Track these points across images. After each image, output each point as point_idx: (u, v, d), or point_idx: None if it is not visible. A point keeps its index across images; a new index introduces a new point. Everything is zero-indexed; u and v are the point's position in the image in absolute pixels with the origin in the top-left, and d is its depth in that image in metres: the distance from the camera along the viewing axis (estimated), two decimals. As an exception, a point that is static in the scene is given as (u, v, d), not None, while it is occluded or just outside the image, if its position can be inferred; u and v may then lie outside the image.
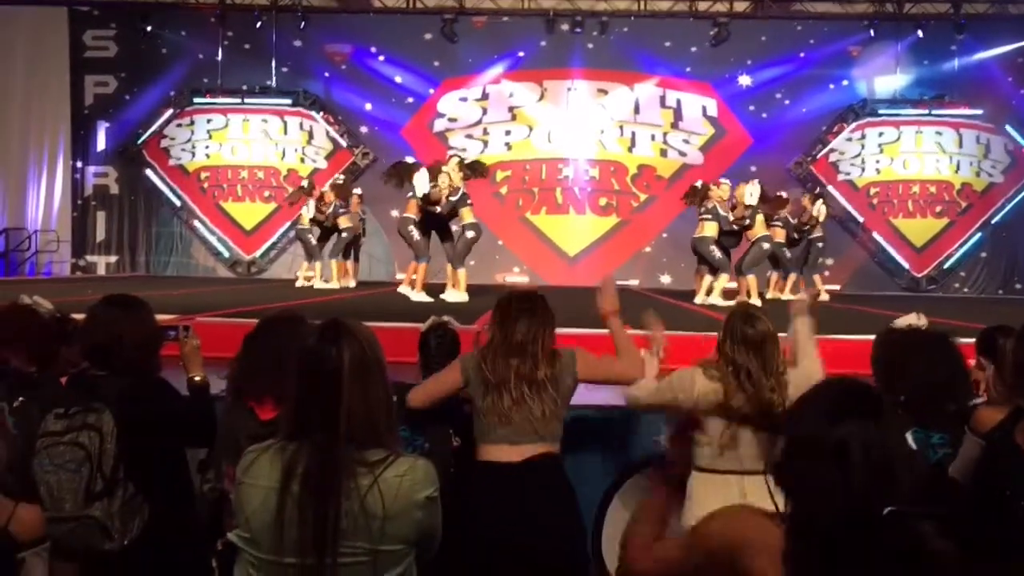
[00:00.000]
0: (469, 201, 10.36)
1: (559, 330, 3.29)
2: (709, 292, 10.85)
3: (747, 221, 10.89)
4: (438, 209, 10.18)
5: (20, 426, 2.67)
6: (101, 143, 17.02)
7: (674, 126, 16.73)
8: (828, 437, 1.53)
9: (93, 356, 2.82)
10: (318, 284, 12.35)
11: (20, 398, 2.77)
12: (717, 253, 10.75)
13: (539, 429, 3.03)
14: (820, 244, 12.71)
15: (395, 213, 11.36)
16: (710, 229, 10.76)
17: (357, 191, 13.09)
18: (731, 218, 10.72)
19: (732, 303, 10.44)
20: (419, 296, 10.26)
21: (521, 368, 3.04)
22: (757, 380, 3.12)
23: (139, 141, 16.79)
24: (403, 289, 10.61)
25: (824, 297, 12.46)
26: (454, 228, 10.52)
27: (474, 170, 10.98)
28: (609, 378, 3.36)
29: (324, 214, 12.45)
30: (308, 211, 12.45)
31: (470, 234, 10.36)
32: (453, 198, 10.22)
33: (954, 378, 3.06)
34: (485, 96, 16.84)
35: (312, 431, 1.82)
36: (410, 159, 11.67)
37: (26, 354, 3.03)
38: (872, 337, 3.49)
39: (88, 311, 2.92)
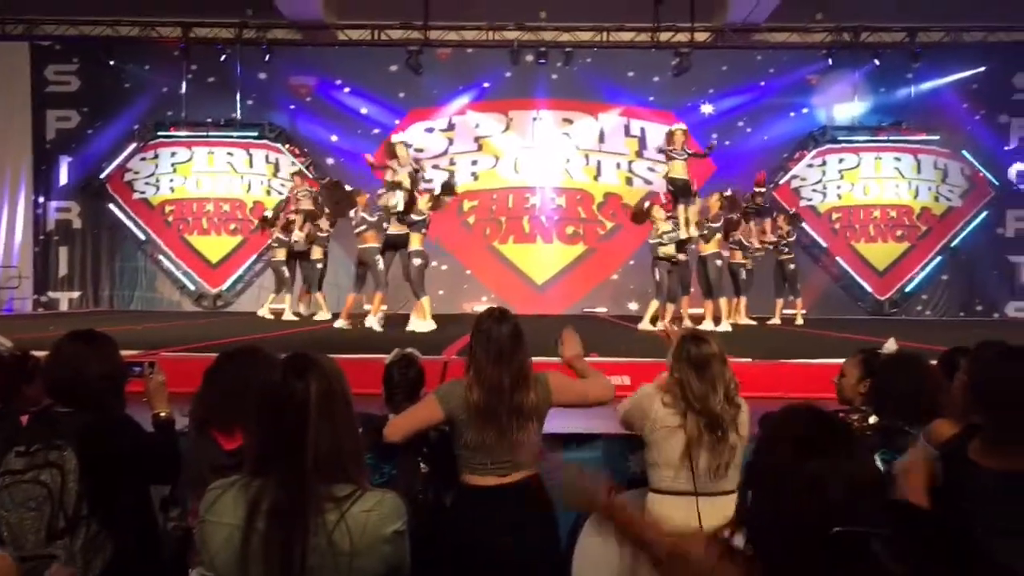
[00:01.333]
0: (423, 230, 10.48)
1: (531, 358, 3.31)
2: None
3: (705, 232, 11.08)
4: (417, 216, 10.39)
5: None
6: (63, 178, 16.85)
7: (639, 154, 16.91)
8: (802, 472, 1.52)
9: (56, 392, 2.79)
10: (288, 315, 12.42)
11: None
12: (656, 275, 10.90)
13: (526, 456, 3.07)
14: (792, 266, 13.02)
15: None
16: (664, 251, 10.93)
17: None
18: (682, 235, 10.86)
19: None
20: (380, 325, 10.32)
21: (510, 398, 3.04)
22: (702, 398, 3.19)
23: (102, 175, 16.65)
24: (369, 321, 10.61)
25: (799, 321, 12.69)
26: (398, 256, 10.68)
27: (446, 191, 11.09)
28: (582, 401, 3.37)
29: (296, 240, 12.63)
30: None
31: (417, 261, 10.52)
32: (417, 217, 10.35)
33: (937, 396, 3.14)
34: (451, 127, 16.92)
35: (278, 466, 1.80)
36: (348, 187, 11.83)
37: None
38: (838, 361, 3.57)
39: (52, 347, 2.88)
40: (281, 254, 12.95)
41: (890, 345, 3.61)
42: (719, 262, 11.42)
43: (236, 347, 2.82)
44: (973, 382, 2.63)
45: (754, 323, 12.79)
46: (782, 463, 1.55)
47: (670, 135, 11.32)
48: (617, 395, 3.43)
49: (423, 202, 10.65)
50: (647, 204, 12.24)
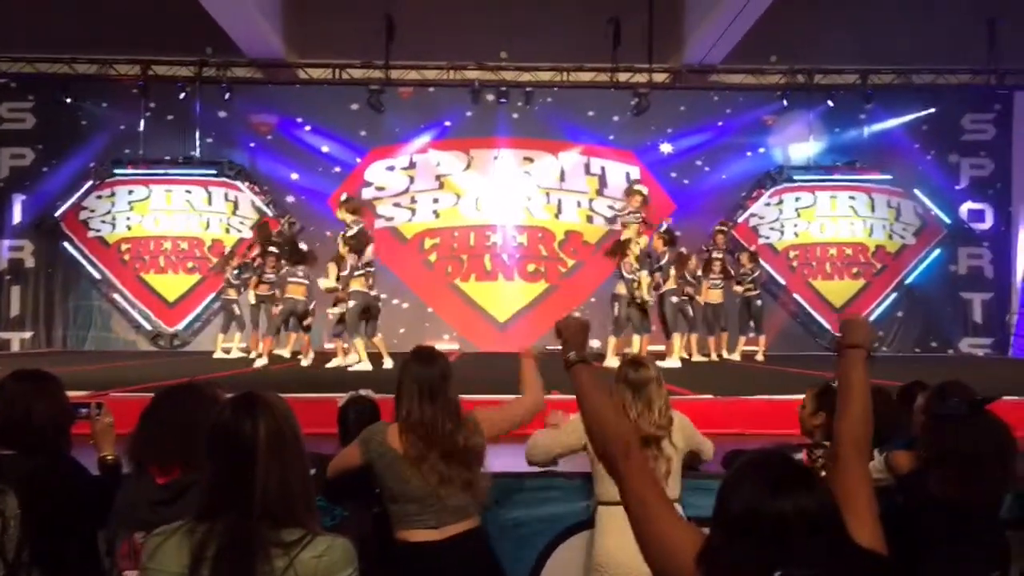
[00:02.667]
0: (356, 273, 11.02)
1: (489, 396, 3.27)
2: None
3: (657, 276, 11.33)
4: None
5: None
6: (17, 216, 16.54)
7: (599, 192, 17.03)
8: (767, 510, 1.53)
9: None
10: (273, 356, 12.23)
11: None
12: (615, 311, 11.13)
13: (461, 505, 2.94)
14: (759, 302, 13.24)
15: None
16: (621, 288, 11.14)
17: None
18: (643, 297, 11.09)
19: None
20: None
21: (441, 439, 2.94)
22: (636, 415, 3.32)
23: (57, 213, 16.39)
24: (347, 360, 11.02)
25: (760, 358, 12.82)
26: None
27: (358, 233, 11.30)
28: (513, 422, 3.33)
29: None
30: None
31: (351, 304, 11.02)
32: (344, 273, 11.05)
33: (897, 427, 3.17)
34: (412, 165, 16.94)
35: (224, 510, 1.73)
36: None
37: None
38: (798, 397, 3.59)
39: (-5, 386, 2.80)
40: (233, 293, 13.06)
41: None
42: (674, 299, 11.60)
43: (175, 384, 2.72)
44: (931, 413, 2.66)
45: (735, 358, 13.01)
46: (749, 502, 1.55)
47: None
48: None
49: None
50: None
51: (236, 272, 14.05)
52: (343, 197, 12.59)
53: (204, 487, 1.80)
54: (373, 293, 11.37)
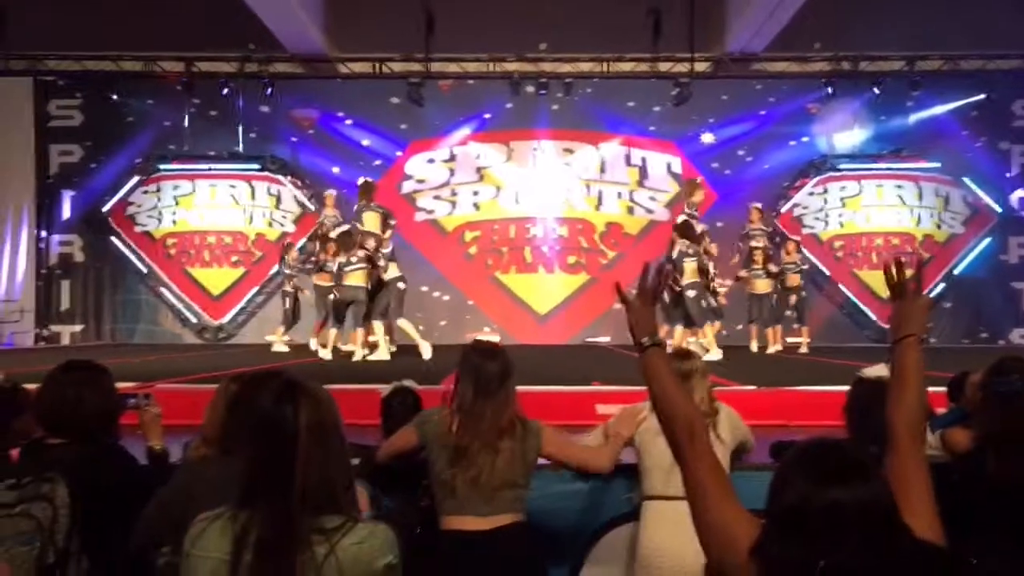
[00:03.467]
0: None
1: (530, 388, 3.27)
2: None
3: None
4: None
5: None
6: (66, 212, 16.90)
7: (640, 184, 16.93)
8: (818, 500, 1.50)
9: (49, 423, 2.74)
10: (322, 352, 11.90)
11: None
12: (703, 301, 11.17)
13: (503, 499, 2.94)
14: (803, 293, 13.08)
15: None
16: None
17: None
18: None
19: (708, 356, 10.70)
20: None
21: (489, 433, 2.95)
22: None
23: (104, 209, 16.69)
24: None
25: (804, 350, 12.69)
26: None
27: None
28: (572, 463, 3.30)
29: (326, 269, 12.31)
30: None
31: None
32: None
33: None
34: (452, 158, 16.97)
35: (266, 497, 1.74)
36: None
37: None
38: (843, 388, 3.52)
39: (46, 377, 2.85)
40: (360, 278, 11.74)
41: (874, 369, 3.53)
42: (692, 293, 11.34)
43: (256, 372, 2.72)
44: (987, 390, 2.60)
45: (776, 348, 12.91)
46: (801, 493, 1.53)
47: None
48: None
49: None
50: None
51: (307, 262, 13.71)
52: (366, 181, 12.42)
53: (245, 474, 1.81)
54: (396, 275, 11.49)
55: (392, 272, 11.45)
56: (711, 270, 11.82)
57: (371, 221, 11.62)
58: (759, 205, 14.37)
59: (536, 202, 16.85)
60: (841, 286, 16.64)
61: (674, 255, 11.31)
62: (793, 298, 13.58)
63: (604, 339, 15.60)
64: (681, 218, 11.88)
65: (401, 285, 11.48)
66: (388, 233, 11.67)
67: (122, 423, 2.99)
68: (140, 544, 2.56)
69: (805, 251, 15.90)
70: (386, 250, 11.49)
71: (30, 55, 16.11)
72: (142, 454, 3.03)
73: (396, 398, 3.68)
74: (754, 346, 13.50)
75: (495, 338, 15.53)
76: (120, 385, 3.18)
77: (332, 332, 11.96)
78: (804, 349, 13.09)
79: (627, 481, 3.62)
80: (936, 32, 15.14)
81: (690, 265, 11.33)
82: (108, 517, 2.56)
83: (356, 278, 11.37)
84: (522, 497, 3.02)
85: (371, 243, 11.39)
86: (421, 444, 3.06)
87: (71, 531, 2.45)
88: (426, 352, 11.19)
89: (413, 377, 3.91)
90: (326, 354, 11.67)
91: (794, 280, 13.60)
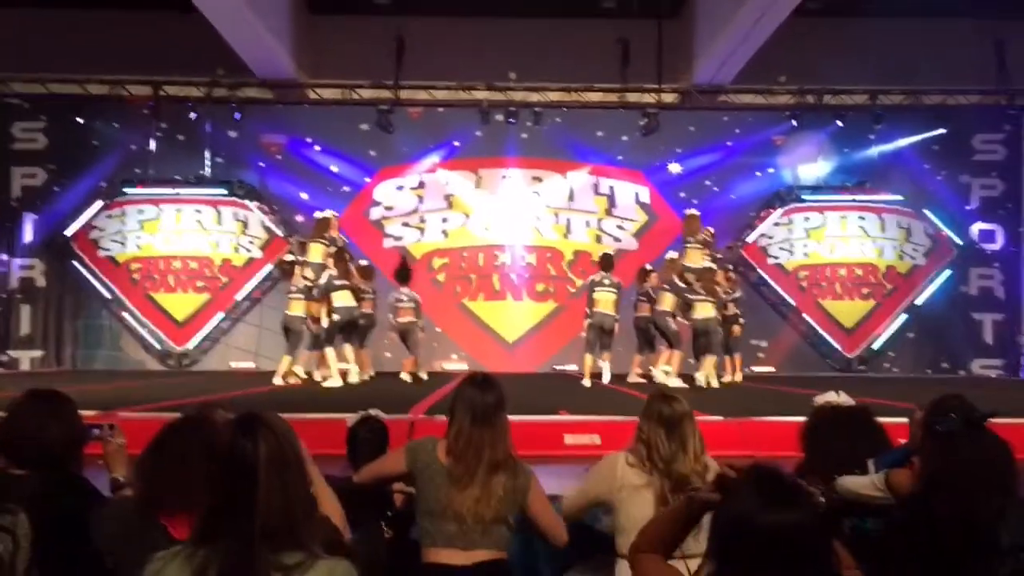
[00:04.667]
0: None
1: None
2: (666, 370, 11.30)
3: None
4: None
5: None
6: (28, 235, 16.61)
7: (608, 212, 17.03)
8: (755, 524, 1.55)
9: (12, 453, 2.69)
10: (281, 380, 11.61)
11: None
12: (673, 325, 11.34)
13: (491, 534, 2.94)
14: (732, 324, 12.79)
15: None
16: (667, 302, 11.23)
17: (363, 262, 13.36)
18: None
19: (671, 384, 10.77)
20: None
21: (488, 465, 2.95)
22: (669, 458, 3.11)
23: (67, 232, 16.45)
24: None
25: (737, 378, 12.59)
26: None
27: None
28: (540, 525, 3.15)
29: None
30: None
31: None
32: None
33: (874, 451, 3.12)
34: (421, 185, 16.97)
35: (225, 533, 1.71)
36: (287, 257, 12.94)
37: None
38: (803, 419, 3.54)
39: (9, 406, 2.80)
40: (299, 308, 11.82)
41: (826, 396, 3.56)
42: (669, 319, 11.66)
43: (182, 417, 2.61)
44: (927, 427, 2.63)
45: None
46: (743, 513, 1.58)
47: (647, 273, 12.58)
48: (587, 454, 3.36)
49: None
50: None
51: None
52: (320, 216, 12.41)
53: (204, 509, 1.78)
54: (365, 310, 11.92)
55: (339, 301, 11.38)
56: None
57: (315, 253, 11.75)
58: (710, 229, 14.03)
59: (505, 230, 16.89)
60: (806, 316, 16.80)
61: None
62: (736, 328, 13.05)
63: (571, 367, 15.60)
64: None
65: (335, 316, 11.37)
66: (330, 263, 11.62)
67: (86, 453, 2.94)
68: None
69: (774, 282, 16.05)
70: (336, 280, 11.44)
71: (-7, 77, 15.92)
72: (106, 485, 2.97)
73: (363, 427, 3.65)
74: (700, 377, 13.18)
75: (463, 366, 15.53)
76: (83, 413, 3.12)
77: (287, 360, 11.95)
78: (737, 378, 12.85)
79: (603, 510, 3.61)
80: (898, 67, 15.47)
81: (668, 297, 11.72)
82: (70, 549, 2.50)
83: (294, 308, 11.72)
84: (507, 536, 3.01)
85: (308, 273, 11.60)
86: (408, 471, 3.04)
87: (32, 563, 2.39)
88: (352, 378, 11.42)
89: (379, 405, 3.88)
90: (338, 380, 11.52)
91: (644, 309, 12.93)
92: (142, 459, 2.48)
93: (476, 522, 2.91)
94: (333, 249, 11.68)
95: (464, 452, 2.96)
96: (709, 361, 11.39)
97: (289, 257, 12.74)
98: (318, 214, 12.54)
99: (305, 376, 12.13)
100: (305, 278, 11.66)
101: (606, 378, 11.98)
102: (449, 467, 2.96)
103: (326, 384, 11.10)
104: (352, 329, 11.80)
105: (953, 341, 16.72)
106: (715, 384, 11.24)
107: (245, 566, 1.68)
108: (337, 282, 11.31)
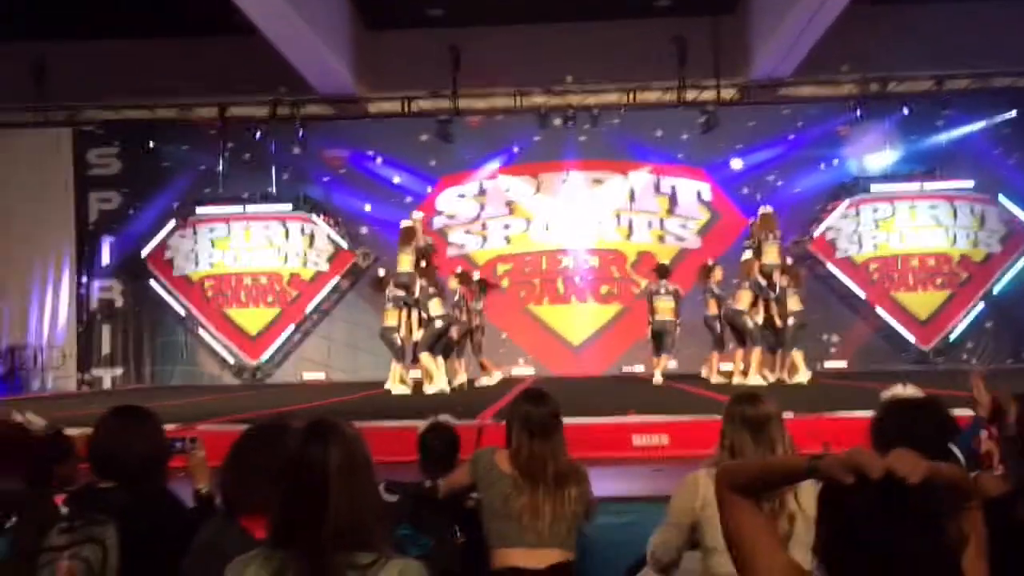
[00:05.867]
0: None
1: (565, 420, 3.29)
2: (745, 371, 11.46)
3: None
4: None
5: (14, 544, 2.62)
6: (106, 257, 17.22)
7: (670, 212, 16.92)
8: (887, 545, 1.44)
9: (100, 468, 2.80)
10: (394, 387, 11.87)
11: (12, 517, 2.73)
12: (750, 323, 11.31)
13: (560, 535, 2.98)
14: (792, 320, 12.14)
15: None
16: (745, 300, 11.59)
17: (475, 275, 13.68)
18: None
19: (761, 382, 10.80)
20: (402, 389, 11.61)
21: (547, 469, 3.02)
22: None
23: (143, 253, 16.98)
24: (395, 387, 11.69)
25: (808, 375, 11.67)
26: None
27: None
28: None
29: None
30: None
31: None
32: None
33: (944, 443, 3.05)
34: (482, 192, 17.09)
35: (299, 537, 1.78)
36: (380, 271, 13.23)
37: (15, 473, 3.00)
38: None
39: (97, 422, 2.91)
40: (392, 318, 12.03)
41: (892, 390, 3.49)
42: (745, 317, 11.62)
43: (260, 421, 2.76)
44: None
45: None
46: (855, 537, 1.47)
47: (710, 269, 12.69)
48: (656, 455, 3.33)
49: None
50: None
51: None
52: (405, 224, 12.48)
53: (278, 514, 1.85)
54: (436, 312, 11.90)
55: (433, 310, 11.66)
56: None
57: (404, 263, 11.82)
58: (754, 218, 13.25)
59: (567, 233, 16.90)
60: (878, 309, 16.43)
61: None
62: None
63: (638, 368, 15.53)
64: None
65: (438, 323, 11.61)
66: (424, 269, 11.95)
67: (169, 466, 3.05)
68: None
69: (844, 276, 15.78)
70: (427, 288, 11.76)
71: (69, 106, 16.55)
72: (189, 497, 3.08)
73: (432, 434, 3.71)
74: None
75: (529, 370, 15.58)
76: (164, 428, 3.24)
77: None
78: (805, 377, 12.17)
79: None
80: (963, 50, 15.06)
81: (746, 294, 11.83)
82: (157, 560, 2.60)
83: (389, 319, 11.98)
84: (575, 539, 3.06)
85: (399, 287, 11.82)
86: (473, 482, 3.11)
87: (121, 573, 2.49)
88: (441, 385, 11.56)
89: (450, 412, 3.94)
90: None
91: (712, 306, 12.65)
92: (223, 467, 2.59)
93: (543, 526, 2.96)
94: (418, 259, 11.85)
95: (528, 465, 3.02)
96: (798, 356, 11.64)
97: (381, 272, 12.97)
98: (404, 223, 12.50)
99: (410, 382, 12.22)
100: (398, 286, 11.82)
101: (657, 379, 12.28)
102: (514, 477, 3.02)
103: (428, 390, 11.38)
104: (445, 337, 11.96)
105: (1034, 330, 16.18)
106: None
107: (320, 567, 1.75)
108: (431, 290, 11.64)
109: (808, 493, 2.82)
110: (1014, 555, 2.22)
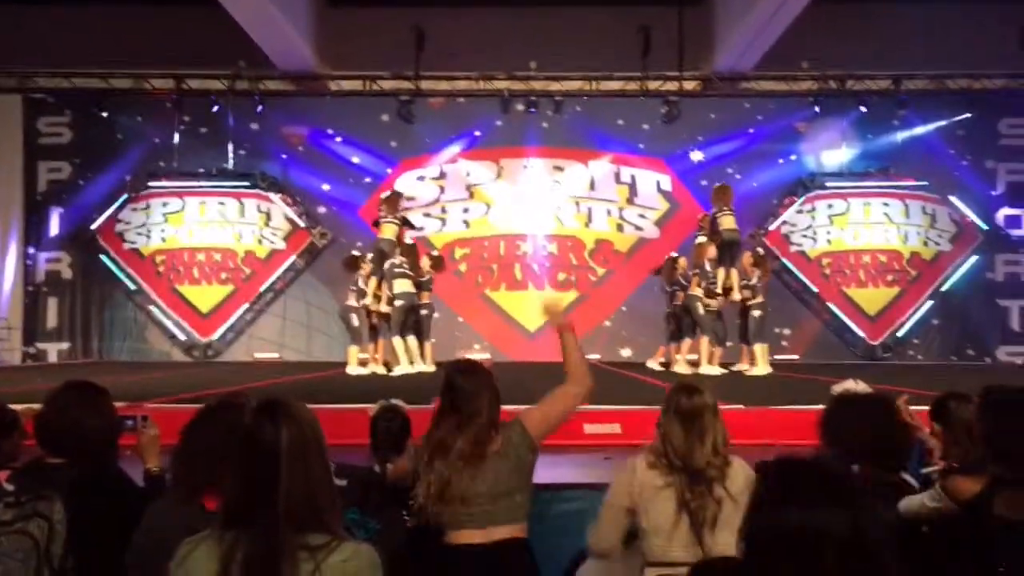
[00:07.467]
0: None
1: (519, 406, 3.27)
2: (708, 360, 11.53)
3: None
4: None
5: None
6: (54, 228, 16.83)
7: (630, 201, 16.99)
8: (805, 525, 1.43)
9: (49, 444, 2.75)
10: (354, 369, 11.59)
11: (-46, 493, 2.65)
12: (701, 310, 11.32)
13: (501, 509, 2.95)
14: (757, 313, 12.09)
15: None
16: (698, 285, 11.62)
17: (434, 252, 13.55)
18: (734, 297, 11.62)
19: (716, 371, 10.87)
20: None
21: (472, 443, 2.97)
22: (685, 453, 2.98)
23: (93, 226, 16.63)
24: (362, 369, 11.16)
25: (767, 370, 11.67)
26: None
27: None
28: (562, 413, 3.28)
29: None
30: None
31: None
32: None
33: (894, 440, 3.11)
34: (442, 175, 17.00)
35: (250, 517, 1.75)
36: (355, 252, 12.70)
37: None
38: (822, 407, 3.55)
39: (47, 398, 2.86)
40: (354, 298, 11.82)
41: (843, 385, 3.57)
42: (699, 306, 11.54)
43: (216, 400, 2.73)
44: (990, 433, 2.60)
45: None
46: (774, 518, 1.47)
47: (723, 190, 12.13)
48: (608, 443, 3.33)
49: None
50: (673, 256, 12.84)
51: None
52: (387, 193, 12.49)
53: (229, 493, 1.82)
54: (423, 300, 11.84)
55: (397, 287, 11.42)
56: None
57: (387, 230, 11.60)
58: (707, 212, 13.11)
59: (526, 219, 16.90)
60: (829, 304, 16.70)
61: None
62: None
63: (594, 356, 15.60)
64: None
65: (398, 302, 11.37)
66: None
67: (119, 444, 3.00)
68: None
69: (797, 270, 15.98)
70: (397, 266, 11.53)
71: (19, 72, 16.07)
72: (139, 475, 3.03)
73: (383, 416, 3.69)
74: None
75: (485, 355, 15.57)
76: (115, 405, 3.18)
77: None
78: (767, 370, 11.77)
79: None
80: (922, 52, 15.30)
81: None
82: (106, 537, 2.55)
83: (350, 296, 11.96)
84: (519, 508, 3.02)
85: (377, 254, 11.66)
86: (413, 467, 3.09)
87: (67, 550, 2.44)
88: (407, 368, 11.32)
89: (403, 395, 3.92)
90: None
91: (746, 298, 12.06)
92: (176, 445, 2.54)
93: (488, 501, 2.93)
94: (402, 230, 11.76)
95: (466, 440, 2.98)
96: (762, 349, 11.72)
97: (356, 252, 12.60)
98: (385, 193, 12.59)
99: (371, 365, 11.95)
100: (376, 252, 11.59)
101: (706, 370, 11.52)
102: (456, 453, 2.98)
103: (394, 372, 11.25)
104: (413, 317, 11.66)
105: (978, 328, 16.57)
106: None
107: (271, 548, 1.72)
108: (398, 269, 11.37)
109: (738, 478, 2.97)
110: (1005, 554, 2.25)
